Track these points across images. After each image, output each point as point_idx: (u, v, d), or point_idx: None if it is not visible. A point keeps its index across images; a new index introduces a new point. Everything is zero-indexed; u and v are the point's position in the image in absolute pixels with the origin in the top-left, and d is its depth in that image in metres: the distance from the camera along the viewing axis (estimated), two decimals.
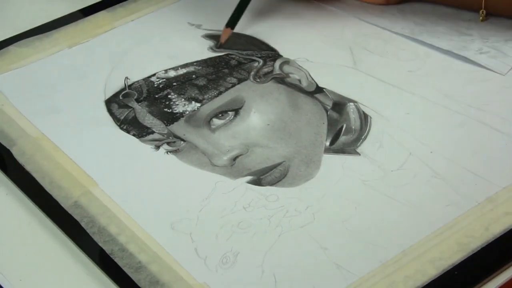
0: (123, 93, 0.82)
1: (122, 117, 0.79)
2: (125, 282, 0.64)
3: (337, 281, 0.63)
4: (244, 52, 0.86)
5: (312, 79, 0.83)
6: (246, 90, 0.80)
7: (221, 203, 0.70)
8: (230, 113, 0.78)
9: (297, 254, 0.65)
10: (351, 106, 0.79)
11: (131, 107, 0.80)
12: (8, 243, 0.69)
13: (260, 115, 0.78)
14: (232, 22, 0.88)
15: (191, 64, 0.85)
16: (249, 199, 0.70)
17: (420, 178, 0.71)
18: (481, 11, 0.86)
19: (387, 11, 0.92)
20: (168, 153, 0.75)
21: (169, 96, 0.80)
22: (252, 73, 0.83)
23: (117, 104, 0.81)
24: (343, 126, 0.77)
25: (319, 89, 0.81)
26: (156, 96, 0.81)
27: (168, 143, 0.76)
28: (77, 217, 0.69)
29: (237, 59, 0.85)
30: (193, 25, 0.92)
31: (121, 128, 0.78)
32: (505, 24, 0.88)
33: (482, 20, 0.86)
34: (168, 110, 0.79)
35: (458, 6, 0.88)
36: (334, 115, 0.78)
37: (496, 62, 0.83)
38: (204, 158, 0.74)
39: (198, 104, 0.79)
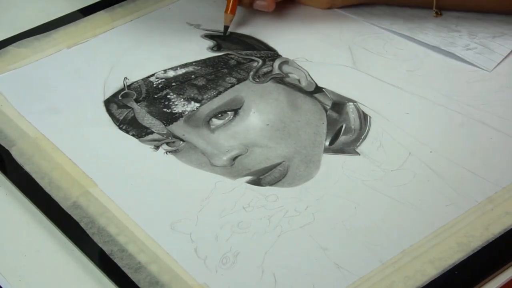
0: (122, 93, 0.82)
1: (121, 117, 0.79)
2: (124, 283, 0.63)
3: (337, 281, 0.63)
4: (243, 52, 0.86)
5: (312, 79, 0.83)
6: (246, 90, 0.80)
7: (220, 203, 0.70)
8: (229, 113, 0.77)
9: (297, 254, 0.65)
10: (350, 106, 0.79)
11: (130, 107, 0.80)
12: (8, 243, 0.69)
13: (259, 115, 0.77)
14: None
15: (190, 64, 0.85)
16: (248, 199, 0.70)
17: (420, 178, 0.71)
18: (434, 12, 0.87)
19: (377, 7, 0.92)
20: (168, 153, 0.75)
21: (168, 96, 0.80)
22: (251, 73, 0.83)
23: (116, 104, 0.80)
24: (342, 126, 0.77)
25: (319, 89, 0.81)
26: (155, 96, 0.81)
27: (167, 143, 0.76)
28: (76, 217, 0.68)
29: (236, 59, 0.85)
30: (192, 25, 0.91)
31: (120, 128, 0.78)
32: (494, 21, 0.88)
33: (436, 17, 0.87)
34: (167, 110, 0.79)
35: (411, 6, 0.89)
36: (334, 115, 0.78)
37: (482, 59, 0.84)
38: (204, 158, 0.74)
39: (197, 104, 0.79)
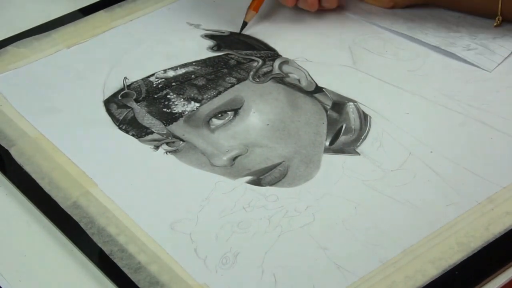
0: (122, 93, 0.81)
1: (121, 117, 0.79)
2: (124, 283, 0.63)
3: (337, 281, 0.63)
4: (243, 52, 0.86)
5: (312, 78, 0.83)
6: (246, 90, 0.80)
7: (220, 203, 0.69)
8: (229, 113, 0.77)
9: (297, 254, 0.65)
10: (350, 106, 0.79)
11: (130, 107, 0.80)
12: (7, 243, 0.69)
13: (259, 115, 0.77)
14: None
15: (190, 64, 0.85)
16: (248, 199, 0.70)
17: (420, 178, 0.71)
18: (497, 18, 0.87)
19: (377, 6, 0.92)
20: (168, 153, 0.75)
21: (168, 96, 0.80)
22: (252, 73, 0.83)
23: (116, 104, 0.80)
24: (342, 126, 0.77)
25: (319, 89, 0.81)
26: (155, 96, 0.80)
27: (167, 143, 0.76)
28: (76, 217, 0.68)
29: (236, 59, 0.85)
30: (192, 25, 0.91)
31: (120, 128, 0.78)
32: (495, 21, 0.88)
33: (496, 26, 0.86)
34: (167, 110, 0.79)
35: (473, 12, 0.89)
36: (334, 114, 0.78)
37: (483, 59, 0.83)
38: (204, 158, 0.74)
39: (197, 104, 0.79)
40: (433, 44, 0.86)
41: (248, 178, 0.72)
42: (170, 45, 0.88)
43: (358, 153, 0.74)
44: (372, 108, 0.78)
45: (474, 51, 0.85)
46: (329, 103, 0.79)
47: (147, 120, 0.78)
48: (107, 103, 0.81)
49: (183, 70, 0.84)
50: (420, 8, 0.91)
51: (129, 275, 0.64)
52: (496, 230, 0.66)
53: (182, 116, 0.78)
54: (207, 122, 0.77)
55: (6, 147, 0.76)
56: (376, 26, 0.90)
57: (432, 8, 0.91)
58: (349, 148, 0.75)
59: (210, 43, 0.88)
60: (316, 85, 0.82)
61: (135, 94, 0.81)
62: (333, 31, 0.89)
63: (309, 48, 0.87)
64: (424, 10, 0.91)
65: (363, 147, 0.75)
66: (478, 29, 0.88)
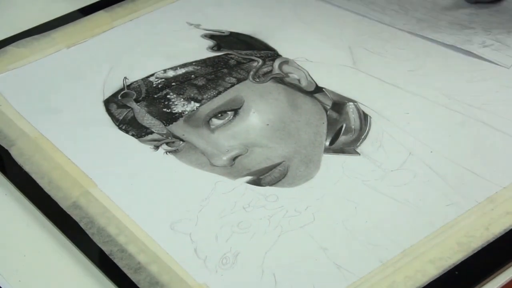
0: (121, 93, 0.81)
1: (121, 117, 0.79)
2: (124, 283, 0.63)
3: (337, 281, 0.63)
4: (243, 52, 0.86)
5: (312, 78, 0.82)
6: (246, 90, 0.80)
7: (220, 203, 0.69)
8: (229, 113, 0.77)
9: (297, 254, 0.65)
10: (350, 106, 0.79)
11: (130, 107, 0.80)
12: (7, 244, 0.69)
13: (259, 115, 0.77)
14: None
15: (190, 64, 0.85)
16: (248, 199, 0.70)
17: (420, 178, 0.71)
18: None
19: (389, 7, 0.92)
20: (167, 153, 0.75)
21: (168, 96, 0.80)
22: (251, 73, 0.82)
23: (116, 104, 0.80)
24: (342, 126, 0.77)
25: (319, 89, 0.81)
26: (155, 96, 0.80)
27: (167, 143, 0.76)
28: (76, 217, 0.68)
29: (236, 59, 0.85)
30: (192, 24, 0.91)
31: (120, 128, 0.78)
32: (507, 15, 0.88)
33: None
34: (167, 110, 0.79)
35: None
36: (334, 114, 0.78)
37: (500, 55, 0.83)
38: (204, 158, 0.74)
39: (197, 104, 0.79)
40: (448, 43, 0.85)
41: (248, 178, 0.72)
42: (170, 45, 0.88)
43: (358, 153, 0.74)
44: (372, 108, 0.78)
45: (491, 47, 0.84)
46: (329, 103, 0.79)
47: (147, 120, 0.78)
48: (107, 103, 0.81)
49: (183, 70, 0.84)
50: (432, 7, 0.91)
51: (129, 275, 0.64)
52: (496, 230, 0.66)
53: (182, 116, 0.78)
54: (207, 122, 0.77)
55: (6, 147, 0.76)
56: (378, 22, 0.89)
57: (443, 7, 0.90)
58: (349, 148, 0.75)
59: (210, 43, 0.88)
60: (316, 85, 0.82)
61: (135, 94, 0.81)
62: (333, 31, 0.89)
63: (309, 48, 0.87)
64: (435, 9, 0.90)
65: (363, 147, 0.75)
66: (491, 24, 0.87)
